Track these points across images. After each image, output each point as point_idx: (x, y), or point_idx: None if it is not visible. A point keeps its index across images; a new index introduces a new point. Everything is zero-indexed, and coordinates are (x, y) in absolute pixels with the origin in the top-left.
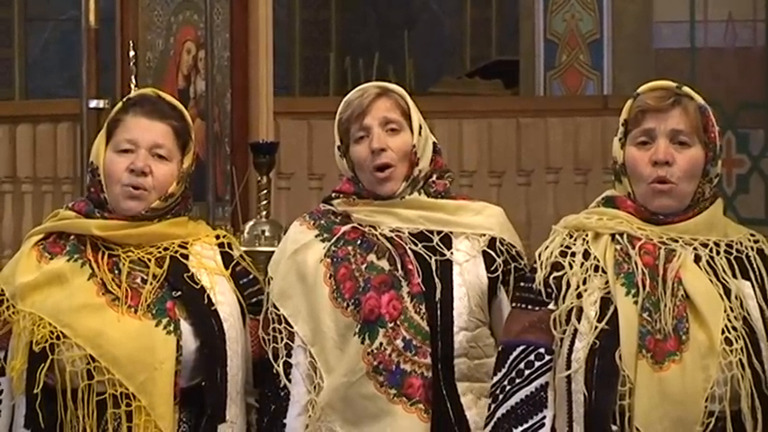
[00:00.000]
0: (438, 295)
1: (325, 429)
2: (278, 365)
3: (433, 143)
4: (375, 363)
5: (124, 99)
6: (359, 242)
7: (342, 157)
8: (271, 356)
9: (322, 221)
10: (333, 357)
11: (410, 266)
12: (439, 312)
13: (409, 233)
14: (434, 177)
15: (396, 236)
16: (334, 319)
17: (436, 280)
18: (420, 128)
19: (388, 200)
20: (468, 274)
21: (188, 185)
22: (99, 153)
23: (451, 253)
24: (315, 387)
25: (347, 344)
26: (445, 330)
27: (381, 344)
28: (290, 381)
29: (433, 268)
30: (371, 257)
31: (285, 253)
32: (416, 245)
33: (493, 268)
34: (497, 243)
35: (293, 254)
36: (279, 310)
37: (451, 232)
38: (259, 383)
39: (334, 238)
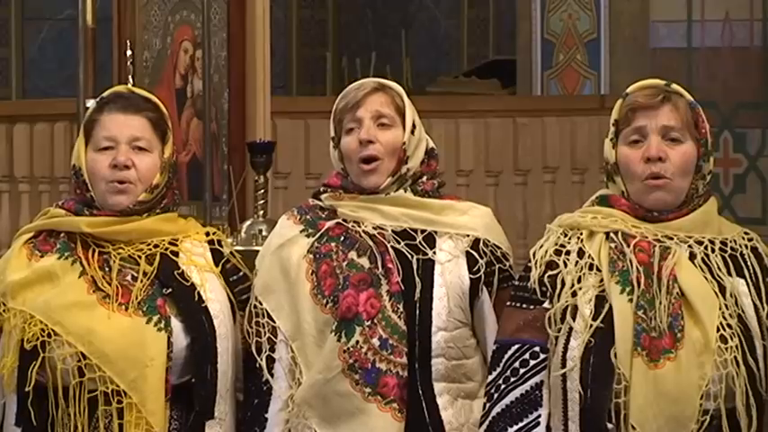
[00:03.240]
0: (417, 294)
1: (303, 426)
2: (261, 359)
3: (431, 147)
4: (351, 361)
5: (97, 99)
6: (342, 239)
7: (335, 148)
8: (254, 350)
9: (308, 216)
10: (312, 353)
11: (390, 265)
12: (417, 312)
13: (392, 231)
14: (424, 178)
15: (378, 233)
16: (314, 315)
17: (416, 279)
18: (414, 127)
19: (374, 195)
20: (450, 275)
21: (171, 176)
22: (80, 154)
23: (434, 252)
24: (296, 382)
25: (325, 341)
26: (423, 330)
27: (357, 342)
28: (272, 375)
29: (414, 267)
30: (352, 255)
31: (270, 247)
32: (399, 243)
33: (475, 269)
34: (481, 244)
35: (278, 248)
36: (262, 304)
37: (435, 231)
38: (244, 376)
39: (318, 234)
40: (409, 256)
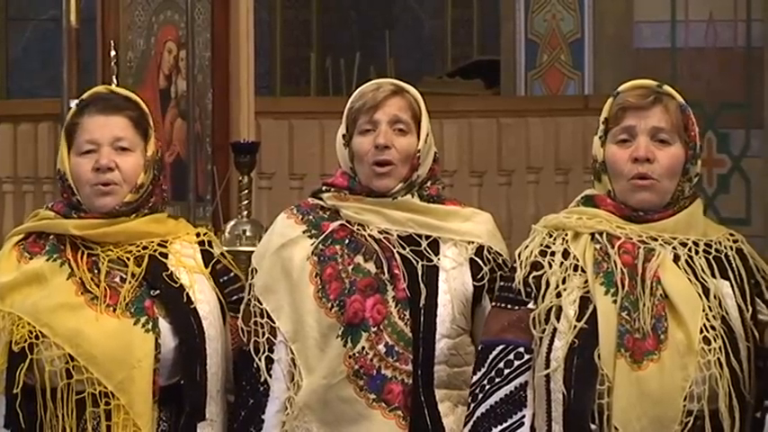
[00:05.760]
0: (422, 301)
1: (303, 429)
2: (259, 360)
3: (434, 151)
4: (356, 366)
5: (77, 102)
6: (347, 242)
7: (345, 146)
8: (252, 350)
9: (310, 217)
10: (313, 356)
11: (396, 271)
12: (422, 318)
13: (398, 236)
14: (429, 183)
15: (384, 238)
16: (317, 318)
17: (421, 285)
18: (427, 134)
19: (380, 198)
20: (454, 281)
21: (157, 173)
22: (63, 159)
23: (438, 259)
24: (294, 384)
25: (328, 345)
26: (427, 337)
27: (363, 348)
28: (270, 376)
29: (419, 273)
30: (359, 259)
31: (271, 246)
32: (404, 248)
33: (479, 276)
34: (485, 251)
35: (279, 248)
36: (261, 304)
37: (440, 238)
38: (237, 375)
39: (322, 236)
40: (414, 262)
